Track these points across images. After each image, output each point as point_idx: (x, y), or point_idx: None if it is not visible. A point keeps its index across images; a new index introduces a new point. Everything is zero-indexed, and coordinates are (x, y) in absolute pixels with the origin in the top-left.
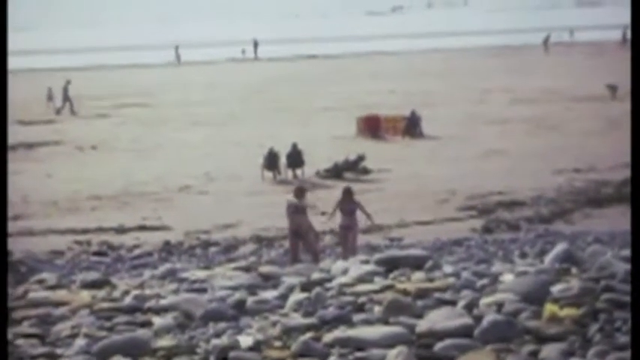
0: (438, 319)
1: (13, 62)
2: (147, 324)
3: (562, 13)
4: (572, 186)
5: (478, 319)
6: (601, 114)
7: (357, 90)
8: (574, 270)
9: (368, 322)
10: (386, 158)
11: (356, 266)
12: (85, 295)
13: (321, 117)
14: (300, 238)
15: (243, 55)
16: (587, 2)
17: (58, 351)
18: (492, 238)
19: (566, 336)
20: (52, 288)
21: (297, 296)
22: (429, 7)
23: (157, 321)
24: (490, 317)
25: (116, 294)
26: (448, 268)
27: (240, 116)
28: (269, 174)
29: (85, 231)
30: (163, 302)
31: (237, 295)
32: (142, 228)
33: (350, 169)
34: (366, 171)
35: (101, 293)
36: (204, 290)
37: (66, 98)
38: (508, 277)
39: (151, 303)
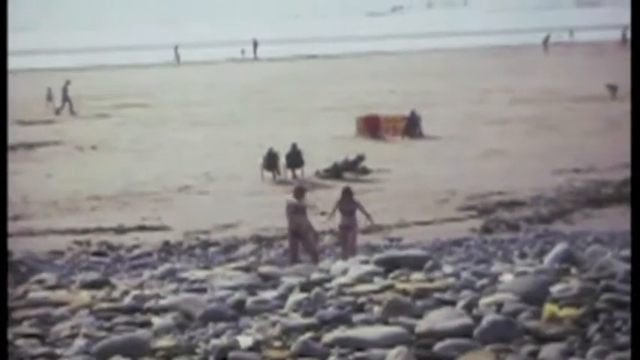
0: (437, 319)
1: (12, 62)
2: (146, 324)
3: (562, 14)
4: (572, 186)
5: (478, 319)
6: (601, 114)
7: (357, 90)
8: (574, 270)
9: (367, 323)
10: (386, 158)
11: (355, 266)
12: (85, 296)
13: (321, 117)
14: (300, 239)
15: (242, 55)
16: (586, 2)
17: (58, 351)
18: (492, 238)
19: (565, 336)
20: (52, 288)
21: (296, 296)
22: (428, 7)
23: (157, 321)
24: (489, 317)
25: (116, 294)
26: (448, 269)
27: (240, 116)
28: (268, 174)
29: (84, 231)
30: (163, 302)
31: (237, 296)
32: (142, 228)
33: (349, 169)
34: (365, 171)
35: (101, 293)
36: (203, 290)
37: (65, 98)
38: (508, 277)
39: (151, 303)
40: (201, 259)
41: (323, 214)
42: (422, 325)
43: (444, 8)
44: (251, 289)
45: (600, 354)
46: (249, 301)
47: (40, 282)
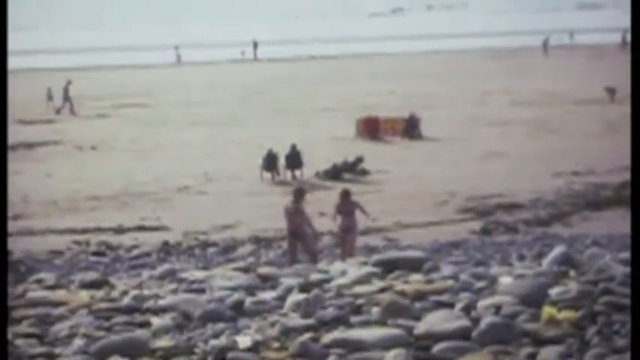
0: (436, 321)
1: (13, 62)
2: (145, 324)
3: (562, 16)
4: (571, 189)
5: (476, 321)
6: (600, 117)
7: (357, 91)
8: (572, 273)
9: (366, 324)
10: (385, 160)
11: (354, 267)
12: (84, 295)
13: (321, 118)
14: (299, 240)
15: (242, 55)
16: (587, 5)
17: (57, 351)
18: (491, 240)
19: (564, 339)
20: (51, 288)
21: (295, 297)
22: (428, 8)
23: (156, 321)
24: (488, 319)
25: (115, 294)
26: (446, 270)
27: (240, 117)
28: (268, 175)
29: (84, 231)
30: (162, 303)
31: (236, 296)
32: (141, 228)
33: (349, 170)
34: (364, 172)
35: (100, 293)
36: (202, 291)
37: (66, 98)
38: (506, 280)
39: (150, 303)
40: (200, 259)
41: (322, 215)
42: (420, 327)
43: (444, 10)
44: (250, 290)
45: (599, 357)
46: (248, 301)
47: (39, 282)
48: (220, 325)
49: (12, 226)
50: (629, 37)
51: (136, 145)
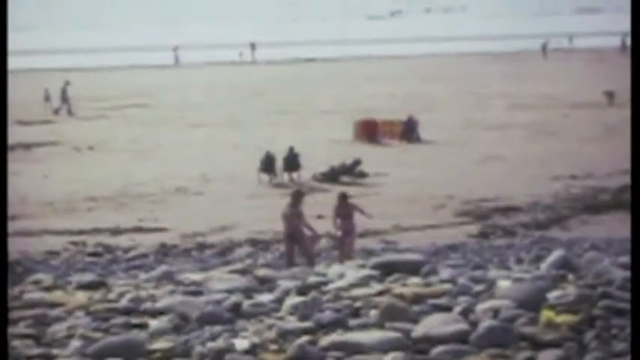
0: (434, 324)
1: (11, 62)
2: (142, 326)
3: (561, 20)
4: (569, 192)
5: (474, 324)
6: (599, 120)
7: (355, 94)
8: (571, 277)
9: (364, 327)
10: (383, 162)
11: (352, 270)
12: (81, 297)
13: (319, 120)
14: (296, 242)
15: (240, 57)
16: (586, 9)
17: (54, 352)
18: (488, 243)
19: (562, 342)
20: (48, 289)
21: (293, 300)
22: (427, 11)
23: (153, 323)
24: (486, 323)
25: (112, 295)
26: (444, 274)
27: (238, 119)
28: (265, 177)
29: (81, 232)
30: (159, 304)
31: (233, 298)
32: (138, 229)
33: (346, 173)
34: (362, 175)
35: (97, 295)
36: (200, 293)
37: (64, 99)
38: (505, 283)
39: (147, 305)
40: (197, 261)
41: (320, 217)
42: (418, 330)
43: (443, 13)
44: (247, 292)
45: None
46: (246, 304)
47: (36, 283)
48: (218, 328)
49: (9, 226)
50: (628, 41)
51: (133, 146)
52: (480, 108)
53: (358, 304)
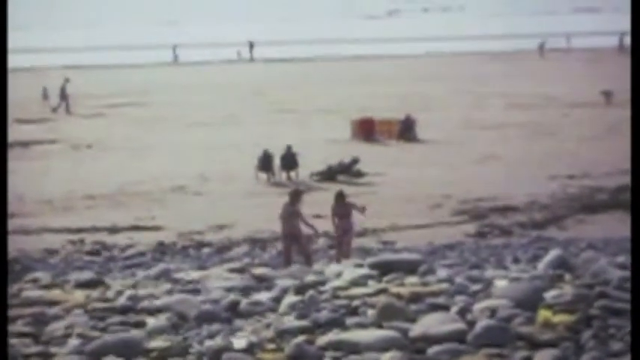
0: (431, 323)
1: (10, 60)
2: (140, 324)
3: (559, 19)
4: (566, 192)
5: (471, 324)
6: (596, 120)
7: (353, 93)
8: (567, 276)
9: (361, 326)
10: (380, 161)
11: (350, 270)
12: (79, 295)
13: (317, 119)
14: (294, 241)
15: (238, 56)
16: (584, 8)
17: (52, 350)
18: (485, 243)
19: (559, 342)
20: (46, 287)
21: (290, 299)
22: (425, 11)
23: (151, 321)
24: (483, 322)
25: (110, 294)
26: (442, 273)
27: (236, 117)
28: (263, 175)
29: (78, 230)
30: (157, 303)
31: (231, 297)
32: (136, 228)
33: (344, 172)
34: (360, 174)
35: (95, 293)
36: (197, 291)
37: (63, 97)
38: (502, 283)
39: (145, 303)
40: (195, 259)
41: (317, 216)
42: (416, 330)
43: (440, 12)
44: (245, 291)
45: None
46: (244, 302)
47: (35, 281)
48: (215, 326)
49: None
50: (626, 41)
51: (132, 144)
52: (478, 107)
53: (356, 303)
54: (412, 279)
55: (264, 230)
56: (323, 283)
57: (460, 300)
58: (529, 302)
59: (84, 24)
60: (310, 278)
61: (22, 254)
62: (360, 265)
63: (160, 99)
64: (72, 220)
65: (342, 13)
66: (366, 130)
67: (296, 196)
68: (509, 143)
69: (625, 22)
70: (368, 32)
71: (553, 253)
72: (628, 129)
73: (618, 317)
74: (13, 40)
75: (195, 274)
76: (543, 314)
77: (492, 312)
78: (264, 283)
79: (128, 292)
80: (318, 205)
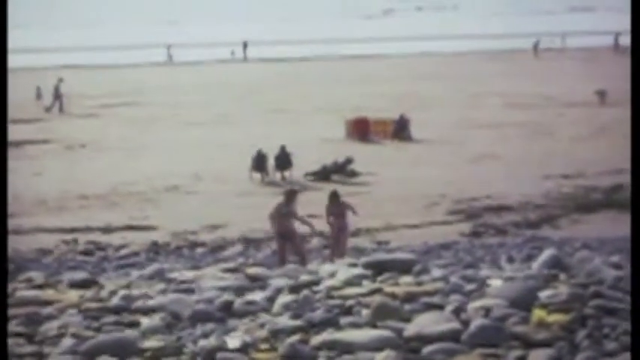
0: (425, 323)
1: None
2: (134, 324)
3: (554, 19)
4: (561, 191)
5: (466, 323)
6: (591, 120)
7: (348, 92)
8: (562, 276)
9: (356, 326)
10: (375, 161)
11: (344, 269)
12: (73, 295)
13: (311, 119)
14: (288, 241)
15: (232, 56)
16: (579, 8)
17: (46, 350)
18: (480, 242)
19: (553, 342)
20: (40, 287)
21: (284, 298)
22: (418, 10)
23: (145, 321)
24: (478, 322)
25: (104, 294)
26: (436, 272)
27: (230, 117)
28: (257, 175)
29: (72, 230)
30: (151, 303)
31: (225, 297)
32: (130, 228)
33: (338, 171)
34: (354, 174)
35: (89, 293)
36: (191, 291)
37: (57, 96)
38: (496, 282)
39: (139, 303)
40: (188, 259)
41: (311, 216)
42: (410, 329)
43: (434, 11)
44: (239, 291)
45: None
46: (237, 302)
47: (28, 280)
48: (209, 326)
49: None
50: (621, 40)
51: (125, 144)
52: (473, 107)
53: (350, 302)
54: (406, 278)
55: (258, 230)
56: (317, 282)
57: (454, 299)
58: (523, 302)
59: (84, 24)
60: (304, 278)
61: (15, 254)
62: (355, 265)
63: (153, 99)
64: (66, 220)
65: (336, 13)
66: (361, 129)
67: (291, 195)
68: (503, 143)
69: (620, 22)
70: (362, 32)
71: (547, 253)
72: (622, 128)
73: (613, 317)
74: (11, 39)
75: (189, 274)
76: (538, 314)
77: (487, 311)
78: (258, 282)
79: (122, 292)
80: (312, 205)
